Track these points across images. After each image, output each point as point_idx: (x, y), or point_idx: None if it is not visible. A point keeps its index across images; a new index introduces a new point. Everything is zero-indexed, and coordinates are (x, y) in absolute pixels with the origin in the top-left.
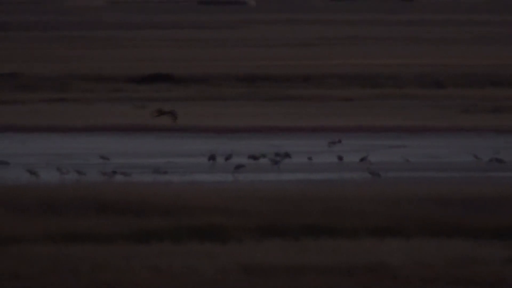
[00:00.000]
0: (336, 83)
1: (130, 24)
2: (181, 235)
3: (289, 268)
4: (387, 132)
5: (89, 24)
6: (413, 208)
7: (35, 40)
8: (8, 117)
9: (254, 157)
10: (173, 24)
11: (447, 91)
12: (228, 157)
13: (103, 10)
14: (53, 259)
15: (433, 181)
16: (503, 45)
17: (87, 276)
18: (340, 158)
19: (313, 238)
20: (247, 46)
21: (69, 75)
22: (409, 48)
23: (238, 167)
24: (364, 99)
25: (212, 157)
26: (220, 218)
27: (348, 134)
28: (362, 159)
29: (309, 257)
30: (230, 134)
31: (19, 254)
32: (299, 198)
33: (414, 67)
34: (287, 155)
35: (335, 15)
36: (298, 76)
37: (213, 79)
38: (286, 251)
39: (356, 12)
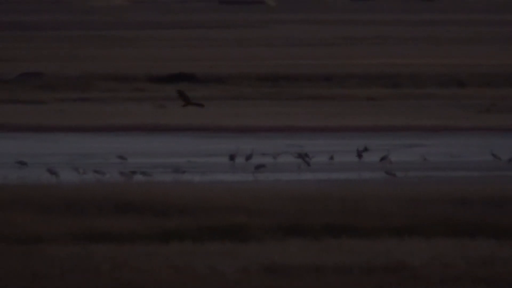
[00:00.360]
0: (357, 82)
1: (152, 23)
2: (202, 235)
3: (309, 268)
4: (407, 131)
5: (111, 23)
6: (433, 208)
7: (57, 39)
8: (31, 117)
9: (274, 156)
10: (194, 23)
11: (468, 91)
12: (248, 157)
13: (125, 9)
14: (74, 259)
15: (453, 180)
16: None
17: (107, 275)
18: (360, 156)
19: (333, 238)
20: (269, 46)
21: (91, 74)
22: (430, 48)
23: (259, 167)
24: (385, 98)
25: (232, 157)
26: (240, 217)
27: (369, 134)
28: (382, 159)
29: (329, 256)
30: (251, 133)
31: (40, 253)
32: (319, 197)
33: (435, 66)
34: (306, 155)
35: (355, 15)
36: (320, 76)
37: (234, 79)
38: (306, 250)
39: (376, 12)
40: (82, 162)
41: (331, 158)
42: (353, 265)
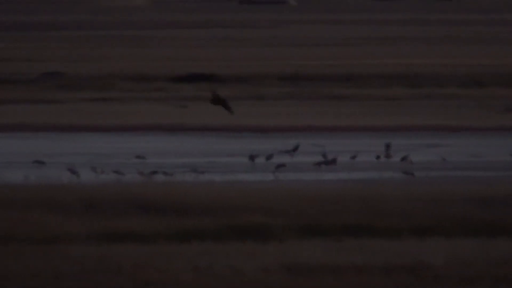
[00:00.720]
0: (377, 82)
1: (173, 23)
2: (222, 234)
3: (329, 268)
4: (428, 131)
5: (131, 23)
6: (453, 208)
7: (78, 39)
8: (50, 116)
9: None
10: (215, 23)
11: (487, 91)
12: (269, 157)
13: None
14: (94, 259)
15: (473, 180)
16: None
17: (128, 275)
18: (378, 157)
19: (353, 238)
20: (289, 46)
21: (112, 74)
22: (449, 48)
23: (279, 167)
24: (405, 98)
25: (253, 157)
26: (261, 217)
27: (388, 134)
28: (403, 159)
29: (350, 256)
30: (272, 133)
31: (61, 253)
32: (340, 197)
33: (454, 66)
34: (326, 157)
35: (376, 14)
36: (340, 76)
37: (255, 79)
38: (327, 250)
39: (397, 11)
40: (102, 161)
41: (354, 157)
42: (373, 265)
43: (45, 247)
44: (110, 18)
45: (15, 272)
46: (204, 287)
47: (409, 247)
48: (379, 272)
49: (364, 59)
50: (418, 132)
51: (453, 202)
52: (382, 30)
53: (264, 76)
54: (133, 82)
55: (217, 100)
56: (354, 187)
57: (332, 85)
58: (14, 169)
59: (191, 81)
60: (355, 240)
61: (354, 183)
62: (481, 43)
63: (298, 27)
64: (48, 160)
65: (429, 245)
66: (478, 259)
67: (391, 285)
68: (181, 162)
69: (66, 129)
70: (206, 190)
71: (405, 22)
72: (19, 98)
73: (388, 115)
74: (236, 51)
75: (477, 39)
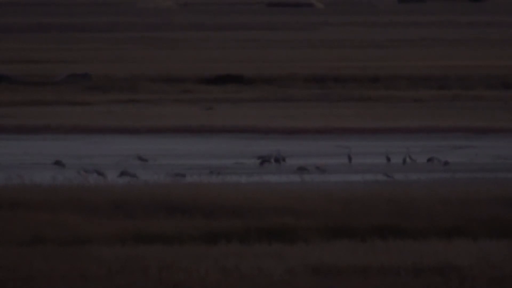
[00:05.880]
0: (404, 84)
1: (200, 25)
2: (249, 236)
3: (356, 269)
4: (455, 132)
5: (159, 25)
6: (481, 209)
7: (106, 41)
8: (78, 118)
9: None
10: (242, 25)
11: None
12: (295, 158)
13: (173, 11)
14: (122, 260)
15: (501, 182)
16: None
17: (155, 276)
18: (404, 161)
19: (380, 239)
20: (316, 47)
21: (139, 76)
22: (477, 50)
23: (306, 168)
24: (432, 100)
25: (279, 158)
26: (288, 218)
27: (416, 135)
28: (429, 160)
29: (376, 257)
30: (299, 135)
31: (88, 255)
32: (366, 198)
33: (482, 68)
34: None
35: (403, 16)
36: (367, 77)
37: (282, 80)
38: (353, 251)
39: (424, 13)
40: (129, 163)
41: (388, 159)
42: (400, 266)
43: (72, 249)
44: (138, 20)
45: (43, 273)
46: None
47: (437, 248)
48: (406, 273)
49: (391, 60)
50: (445, 133)
51: (480, 203)
52: (409, 32)
53: (291, 77)
54: (161, 83)
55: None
56: (381, 188)
57: (359, 86)
58: (42, 170)
59: (219, 83)
60: (382, 241)
61: (381, 184)
62: (509, 44)
63: (326, 29)
64: (78, 162)
65: (457, 247)
66: (506, 260)
67: (418, 286)
68: (208, 163)
69: (95, 131)
70: (233, 191)
71: (432, 24)
72: (46, 99)
73: (416, 117)
74: (263, 53)
75: (505, 41)
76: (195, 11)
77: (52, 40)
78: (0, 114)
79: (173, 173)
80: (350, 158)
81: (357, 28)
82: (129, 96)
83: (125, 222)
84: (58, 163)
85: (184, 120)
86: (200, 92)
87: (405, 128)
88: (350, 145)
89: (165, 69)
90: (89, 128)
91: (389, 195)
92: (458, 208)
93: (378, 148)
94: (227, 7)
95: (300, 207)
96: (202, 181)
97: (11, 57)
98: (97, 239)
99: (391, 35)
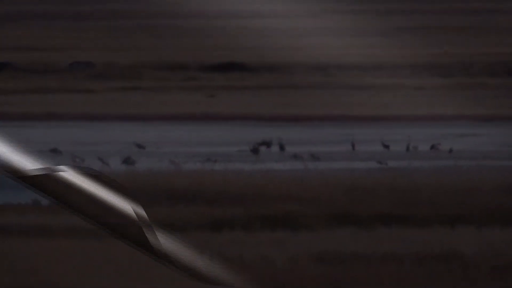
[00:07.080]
0: (408, 72)
1: (204, 13)
2: (253, 223)
3: (360, 257)
4: (459, 120)
5: (162, 13)
6: (485, 197)
7: (109, 29)
8: (81, 106)
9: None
10: (247, 13)
11: None
12: (299, 146)
13: None
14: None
15: (505, 169)
16: None
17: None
18: (407, 148)
19: (384, 227)
20: (320, 35)
21: (142, 64)
22: (480, 37)
23: (310, 156)
24: (435, 88)
25: (283, 146)
26: (292, 206)
27: (420, 123)
28: (432, 147)
29: (380, 245)
30: (302, 122)
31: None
32: (370, 186)
33: (485, 56)
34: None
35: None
36: (370, 65)
37: (286, 68)
38: (357, 239)
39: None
40: (132, 150)
41: (384, 146)
42: (404, 254)
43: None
44: (141, 8)
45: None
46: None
47: (440, 236)
48: (410, 261)
49: (395, 48)
50: (449, 121)
51: (484, 191)
52: (413, 19)
53: (295, 65)
54: (164, 71)
55: None
56: (385, 176)
57: (361, 74)
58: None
59: (222, 70)
60: (386, 229)
61: (385, 172)
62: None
63: (330, 17)
64: (82, 149)
65: (460, 234)
66: (510, 248)
67: (422, 274)
68: (211, 151)
69: (98, 119)
70: (236, 179)
71: (434, 11)
72: (50, 87)
73: (419, 105)
74: (267, 41)
75: (508, 28)
76: None
77: (54, 28)
78: (4, 102)
79: (176, 161)
80: (353, 146)
81: (362, 15)
82: (132, 84)
83: None
84: (54, 151)
85: (187, 108)
86: (204, 80)
87: (409, 116)
88: (353, 132)
89: (169, 57)
90: (92, 115)
91: (392, 183)
92: (461, 196)
93: (380, 136)
94: None
95: (304, 194)
96: (205, 169)
97: (14, 44)
98: None
99: (394, 23)
